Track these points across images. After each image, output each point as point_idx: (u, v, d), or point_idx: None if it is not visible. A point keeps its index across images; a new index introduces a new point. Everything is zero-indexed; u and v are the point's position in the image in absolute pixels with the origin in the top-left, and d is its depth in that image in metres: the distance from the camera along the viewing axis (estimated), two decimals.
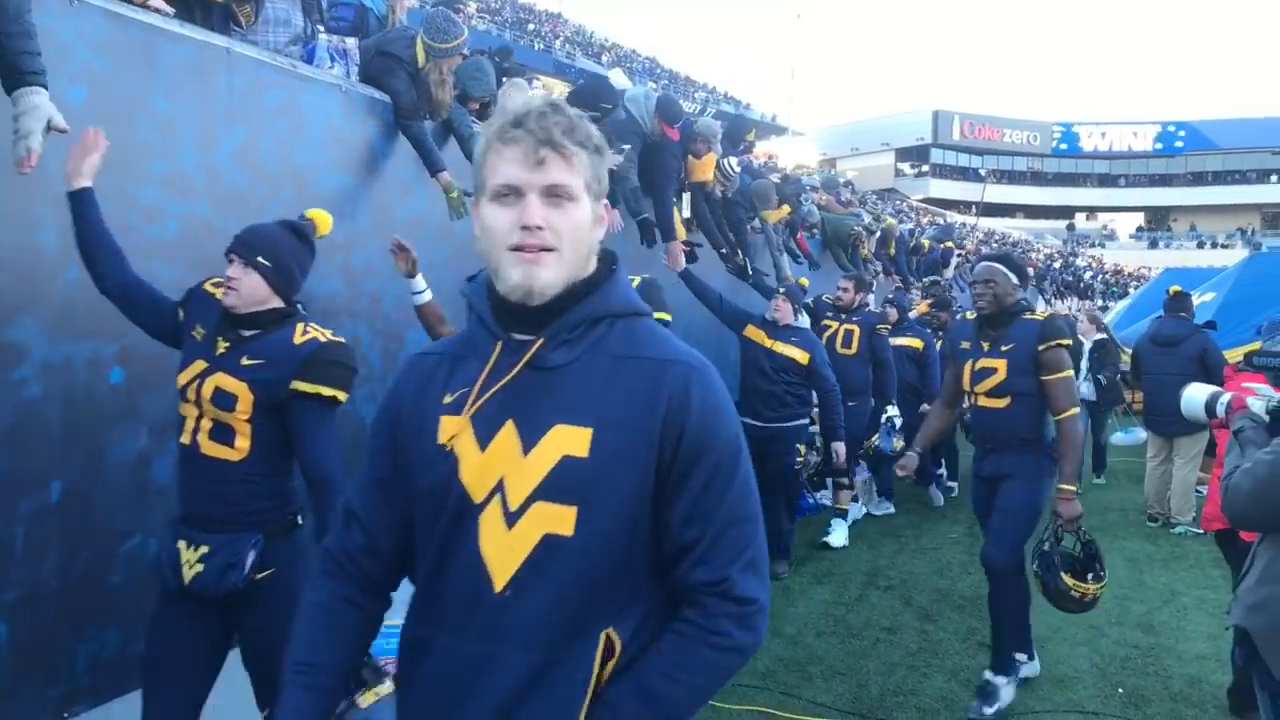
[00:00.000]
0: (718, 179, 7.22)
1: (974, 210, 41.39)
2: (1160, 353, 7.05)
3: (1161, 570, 6.22)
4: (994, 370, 4.04)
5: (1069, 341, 4.01)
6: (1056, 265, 35.05)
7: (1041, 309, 6.10)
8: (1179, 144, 61.57)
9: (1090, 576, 3.85)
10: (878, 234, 12.86)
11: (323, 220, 2.79)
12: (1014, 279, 4.07)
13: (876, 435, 6.52)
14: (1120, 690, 4.28)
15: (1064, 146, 63.75)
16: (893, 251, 13.54)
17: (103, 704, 2.97)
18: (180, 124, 3.15)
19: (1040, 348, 3.93)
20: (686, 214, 6.90)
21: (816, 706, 4.02)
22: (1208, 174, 60.91)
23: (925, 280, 11.08)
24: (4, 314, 2.63)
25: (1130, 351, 7.71)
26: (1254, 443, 2.42)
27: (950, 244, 17.41)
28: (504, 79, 6.35)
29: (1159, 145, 62.25)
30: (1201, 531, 6.23)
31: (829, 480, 7.83)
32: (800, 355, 5.78)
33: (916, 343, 7.74)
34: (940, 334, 7.95)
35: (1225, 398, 2.66)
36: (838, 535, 6.63)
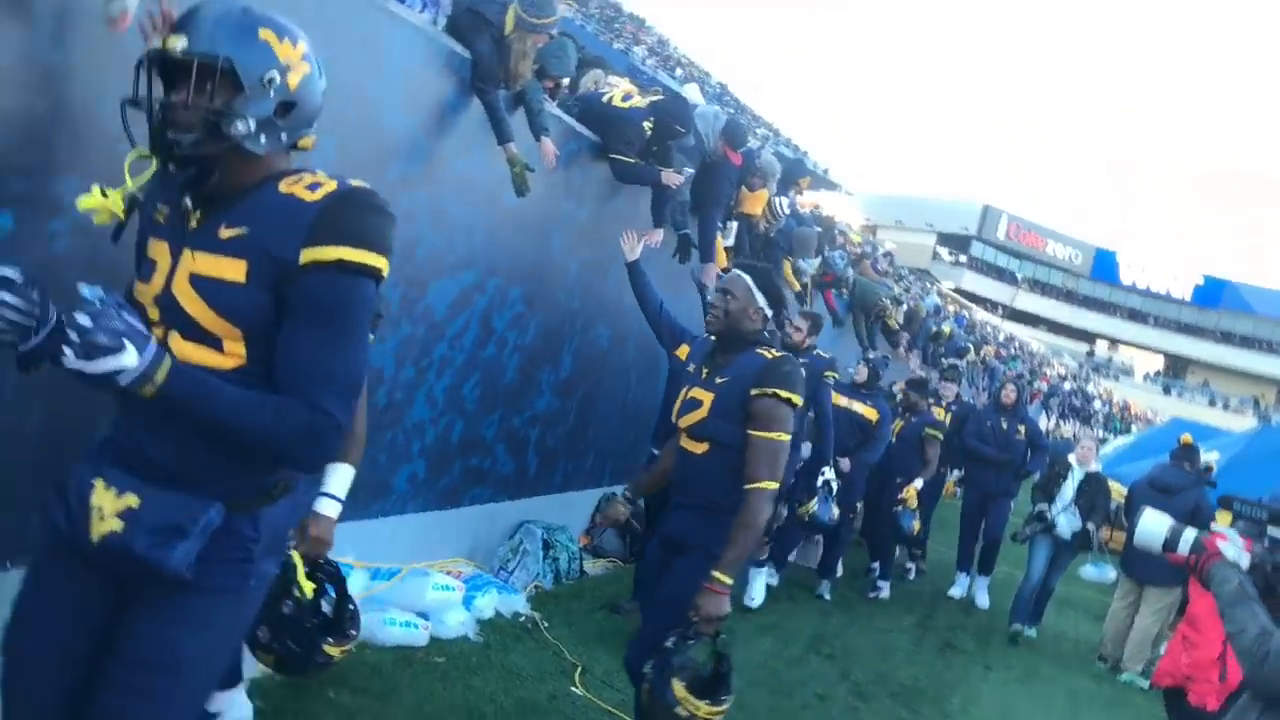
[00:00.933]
0: (765, 215, 7.28)
1: (1000, 312, 41.39)
2: (1156, 498, 7.01)
3: (1101, 712, 6.19)
4: (699, 404, 3.10)
5: (797, 399, 3.03)
6: (1067, 386, 35.07)
7: (1045, 425, 6.14)
8: (1217, 302, 61.61)
9: (708, 698, 2.87)
10: (904, 307, 12.91)
11: None
12: (759, 300, 3.17)
13: (814, 501, 6.16)
14: None
15: (1103, 271, 63.82)
16: (914, 331, 13.59)
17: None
18: None
19: (753, 391, 2.98)
20: (730, 242, 6.93)
21: None
22: (1236, 336, 60.94)
23: (945, 363, 11.04)
24: (55, 167, 2.64)
25: (1124, 490, 7.72)
26: (1252, 598, 2.30)
27: (972, 344, 17.51)
28: (584, 65, 6.40)
29: (1197, 299, 62.28)
30: (1148, 686, 6.19)
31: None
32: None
33: (871, 412, 7.00)
34: (906, 414, 7.82)
35: (1191, 535, 2.43)
36: (756, 592, 6.26)
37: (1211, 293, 62.27)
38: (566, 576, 5.61)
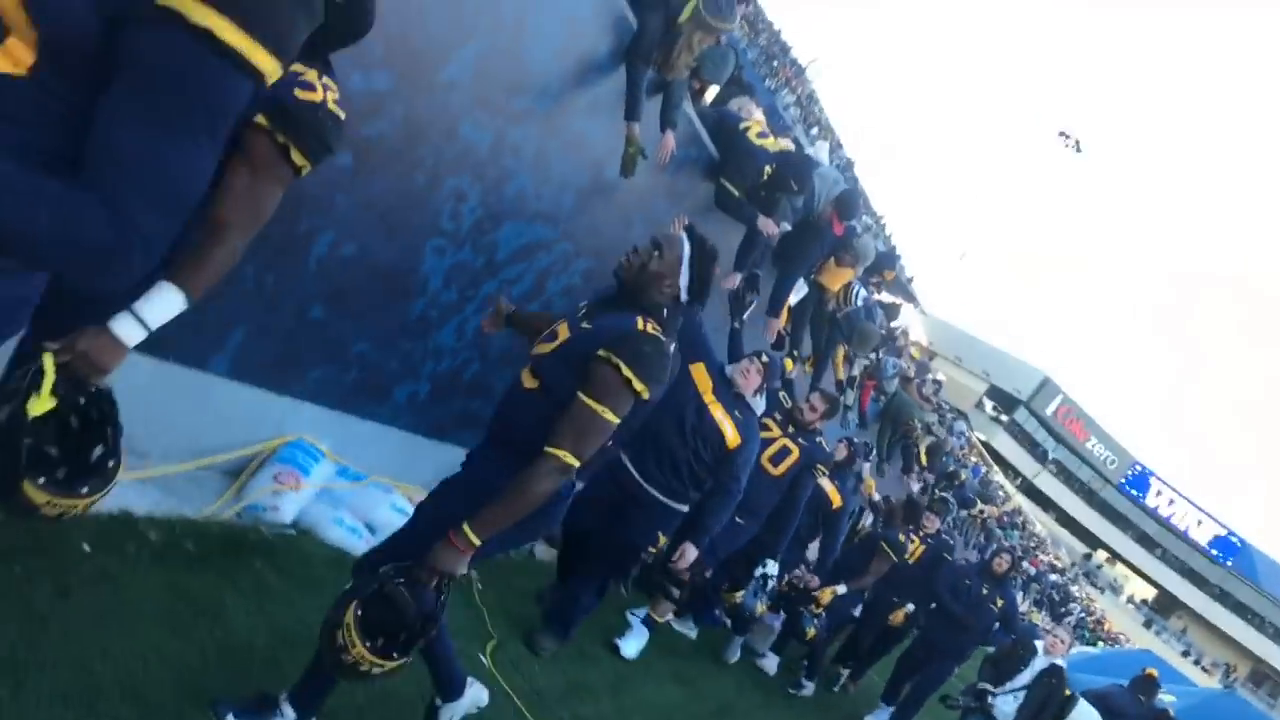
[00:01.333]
0: (840, 296, 7.22)
1: (1018, 483, 40.91)
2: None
3: None
4: (555, 337, 2.75)
5: (641, 388, 2.54)
6: (1053, 578, 34.57)
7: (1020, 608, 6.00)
8: (1228, 559, 60.61)
9: (378, 644, 2.35)
10: (933, 440, 12.78)
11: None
12: (686, 270, 2.80)
13: (741, 592, 5.83)
14: None
15: (1132, 485, 62.97)
16: (934, 465, 13.44)
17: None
18: None
19: (600, 351, 2.55)
20: (794, 300, 6.89)
21: None
22: (1233, 599, 59.85)
23: (936, 495, 10.66)
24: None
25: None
26: None
27: (980, 500, 17.29)
28: (731, 86, 6.39)
29: (1211, 548, 61.27)
30: None
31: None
32: (731, 436, 4.53)
33: (835, 496, 6.59)
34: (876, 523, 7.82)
35: None
36: (631, 644, 5.26)
37: (1226, 547, 61.25)
38: (517, 550, 5.56)
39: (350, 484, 4.20)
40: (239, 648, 2.98)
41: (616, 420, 2.54)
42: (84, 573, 2.76)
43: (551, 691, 4.29)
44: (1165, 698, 9.15)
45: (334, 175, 3.39)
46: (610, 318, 2.71)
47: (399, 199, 3.72)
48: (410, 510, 4.38)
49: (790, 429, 5.69)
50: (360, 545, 4.11)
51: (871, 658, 8.41)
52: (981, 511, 19.76)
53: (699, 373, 4.60)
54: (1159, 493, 63.18)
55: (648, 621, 5.51)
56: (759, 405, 4.80)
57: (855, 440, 7.20)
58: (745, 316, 5.37)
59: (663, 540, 4.95)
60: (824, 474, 5.96)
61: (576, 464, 2.48)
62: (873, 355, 9.68)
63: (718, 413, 4.52)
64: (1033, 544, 33.78)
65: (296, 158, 1.94)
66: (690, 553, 4.56)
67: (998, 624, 7.58)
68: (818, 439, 5.78)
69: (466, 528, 2.41)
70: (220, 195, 1.88)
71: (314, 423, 4.15)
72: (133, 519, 3.17)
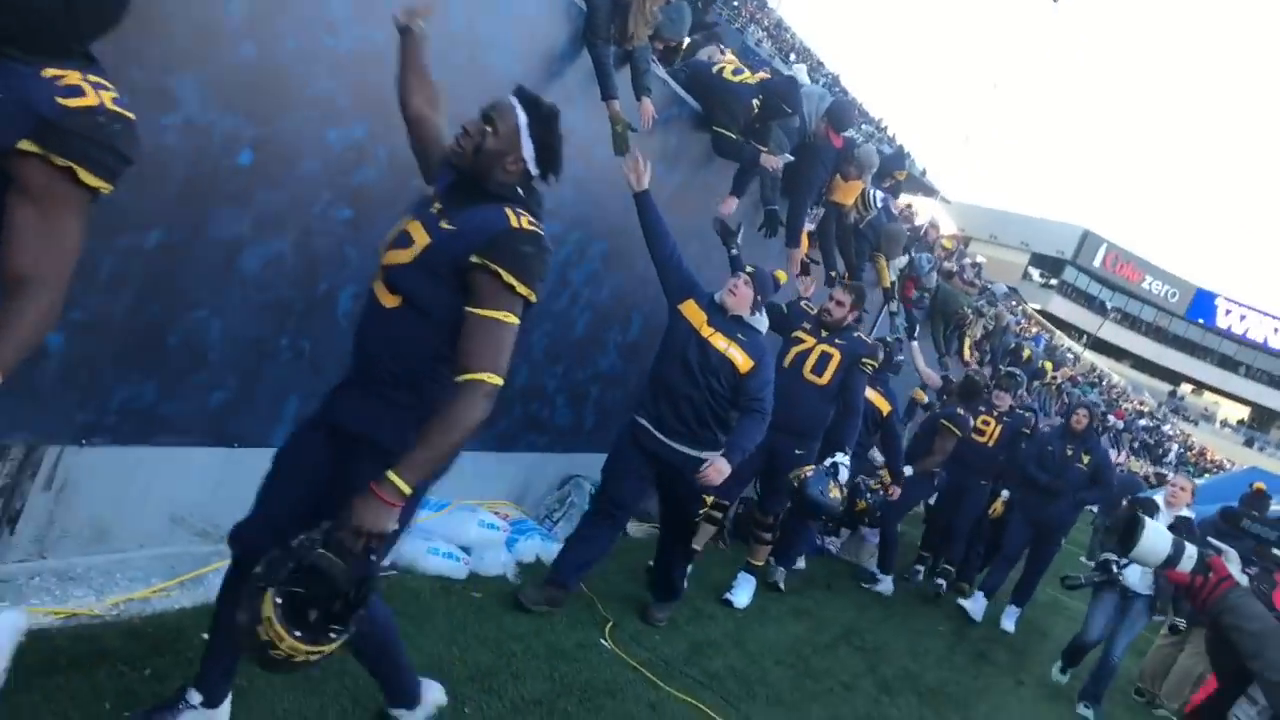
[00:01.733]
0: (857, 206, 7.20)
1: (1084, 340, 40.31)
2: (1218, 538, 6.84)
3: None
4: (410, 242, 2.38)
5: (528, 291, 2.24)
6: (1143, 423, 34.11)
7: (1115, 459, 5.85)
8: None
9: (304, 629, 2.06)
10: (986, 322, 12.66)
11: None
12: (527, 140, 2.44)
13: (810, 470, 5.15)
14: None
15: (1200, 312, 61.69)
16: (993, 345, 13.34)
17: (119, 445, 3.11)
18: None
19: (474, 259, 2.23)
20: (812, 228, 6.88)
21: None
22: None
23: (1003, 369, 10.47)
24: (169, 63, 2.73)
25: None
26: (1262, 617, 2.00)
27: (1049, 364, 17.11)
28: (696, 33, 6.37)
29: None
30: None
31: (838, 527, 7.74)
32: (742, 361, 4.30)
33: (883, 403, 6.39)
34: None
35: (1194, 553, 2.11)
36: (740, 594, 5.50)
37: None
38: None
39: (435, 514, 4.33)
40: (371, 690, 3.10)
41: (517, 321, 2.24)
42: None
43: (676, 657, 4.41)
44: (1276, 507, 9.07)
45: (339, 229, 3.48)
46: (473, 214, 2.32)
47: None
48: (498, 523, 4.52)
49: (823, 334, 5.46)
50: (460, 568, 4.25)
51: (986, 559, 8.18)
52: (1055, 377, 19.56)
53: (689, 309, 4.39)
54: (1227, 312, 61.84)
55: (750, 570, 5.61)
56: (761, 322, 4.49)
57: (888, 339, 6.93)
58: (739, 241, 5.23)
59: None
60: (869, 368, 5.55)
61: (501, 383, 2.19)
62: (905, 256, 9.61)
63: (720, 343, 4.28)
64: (1115, 395, 33.35)
65: (87, 178, 1.67)
66: (721, 464, 4.10)
67: (1091, 482, 7.32)
68: (855, 334, 5.53)
69: (393, 476, 2.10)
70: (7, 246, 1.64)
71: None
72: None
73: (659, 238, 4.47)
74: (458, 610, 3.97)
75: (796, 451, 5.33)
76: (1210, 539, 2.19)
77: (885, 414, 6.42)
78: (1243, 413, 62.02)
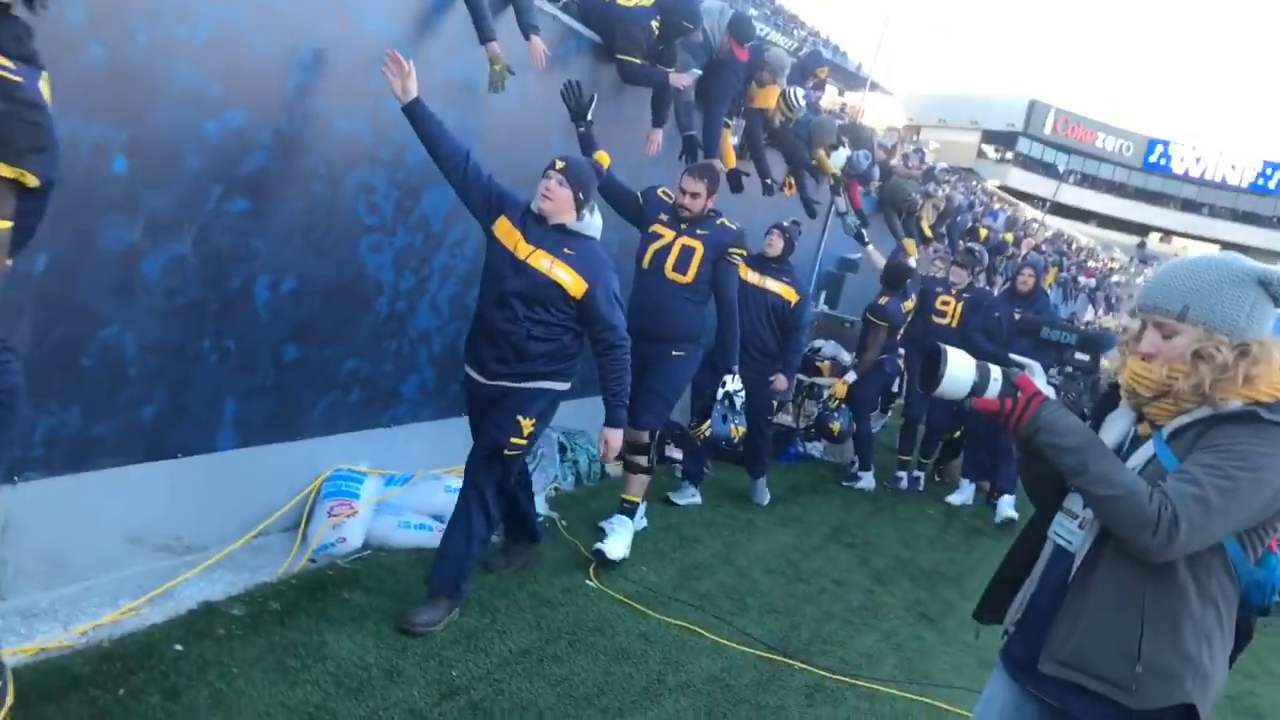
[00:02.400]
0: (780, 108, 7.13)
1: (1044, 207, 40.39)
2: None
3: None
4: None
5: (11, 174, 1.64)
6: (1115, 279, 34.33)
7: (1090, 316, 5.77)
8: (1274, 185, 59.58)
9: None
10: (934, 203, 12.62)
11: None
12: None
13: (707, 423, 5.26)
14: None
15: (1156, 161, 61.83)
16: (949, 228, 13.33)
17: (54, 476, 3.07)
18: None
19: None
20: (737, 139, 6.81)
21: (744, 636, 4.08)
22: None
23: (962, 246, 10.31)
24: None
25: None
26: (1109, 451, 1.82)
27: (1009, 236, 17.12)
28: None
29: (1257, 181, 60.25)
30: None
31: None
32: (572, 283, 3.59)
33: (789, 292, 5.87)
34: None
35: (998, 374, 1.90)
36: (615, 541, 4.58)
37: (1271, 178, 60.21)
38: (588, 478, 5.69)
39: (400, 488, 4.32)
40: (354, 670, 3.12)
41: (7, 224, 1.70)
42: (184, 670, 2.91)
43: (665, 585, 4.44)
44: None
45: (238, 222, 3.41)
46: None
47: (311, 217, 3.74)
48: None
49: (682, 226, 4.85)
50: (434, 536, 4.24)
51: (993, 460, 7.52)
52: (1017, 249, 19.60)
53: (502, 229, 3.66)
54: (1182, 158, 62.06)
55: (624, 508, 4.83)
56: (592, 225, 3.79)
57: (786, 224, 6.11)
58: (589, 117, 4.69)
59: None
60: (742, 258, 5.06)
61: None
62: (843, 151, 9.55)
63: (542, 262, 3.58)
64: (1084, 256, 33.46)
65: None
66: (613, 437, 3.85)
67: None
68: (719, 221, 4.89)
69: None
70: None
71: (343, 450, 4.25)
72: (214, 605, 3.31)
73: (445, 153, 3.63)
74: None
75: (674, 353, 4.80)
76: (1012, 355, 2.04)
77: (794, 304, 5.86)
78: (1212, 250, 62.45)
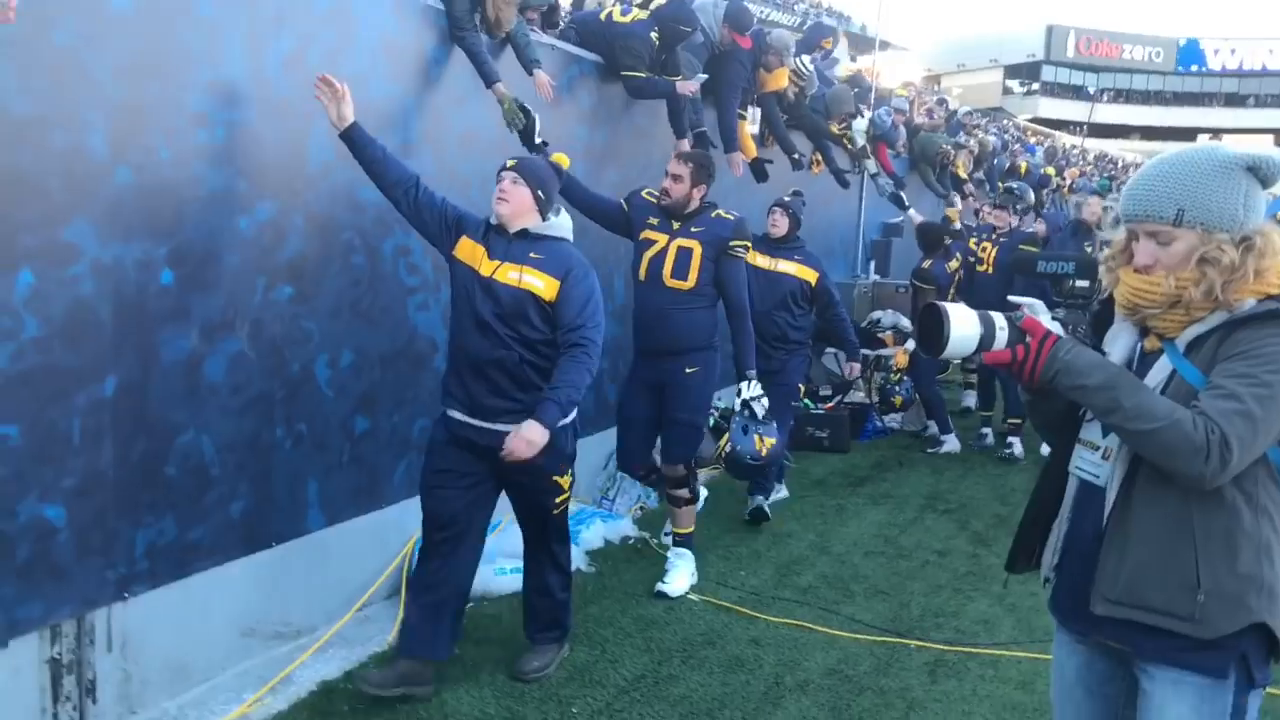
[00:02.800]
0: (792, 81, 7.10)
1: (1081, 131, 39.47)
2: None
3: None
4: None
5: None
6: None
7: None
8: None
9: None
10: (969, 150, 12.43)
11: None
12: None
13: (725, 438, 4.50)
14: None
15: (1190, 61, 60.10)
16: (987, 171, 13.11)
17: (160, 586, 3.16)
18: (226, 30, 3.19)
19: None
20: (755, 129, 6.78)
21: (854, 623, 4.05)
22: None
23: (1001, 188, 10.06)
24: (57, 214, 2.73)
25: None
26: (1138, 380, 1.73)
27: (1051, 169, 16.78)
28: None
29: None
30: None
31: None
32: (544, 287, 3.27)
33: (807, 273, 5.39)
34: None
35: (1003, 322, 1.76)
36: (675, 577, 4.35)
37: None
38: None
39: (490, 536, 4.35)
40: None
41: None
42: None
43: (765, 586, 4.42)
44: None
45: (287, 308, 3.49)
46: None
47: (356, 289, 3.81)
48: None
49: (674, 225, 4.31)
50: None
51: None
52: (1062, 180, 19.18)
53: (464, 249, 3.41)
54: (1216, 51, 60.19)
55: (679, 540, 4.56)
56: (559, 227, 3.47)
57: (787, 199, 5.56)
58: (538, 140, 4.29)
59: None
60: (742, 251, 4.38)
61: None
62: (863, 118, 9.45)
63: (510, 275, 3.27)
64: (1133, 173, 32.61)
65: None
66: (529, 431, 3.11)
67: None
68: (714, 214, 4.34)
69: None
70: None
71: None
72: (331, 684, 3.38)
73: (392, 180, 3.39)
74: None
75: (687, 370, 4.29)
76: (1010, 297, 1.87)
77: (814, 283, 5.39)
78: (1267, 142, 60.50)
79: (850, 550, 4.91)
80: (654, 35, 5.34)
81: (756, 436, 4.28)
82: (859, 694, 3.46)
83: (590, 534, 4.76)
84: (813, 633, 3.94)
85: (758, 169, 6.27)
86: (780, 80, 6.70)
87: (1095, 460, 1.82)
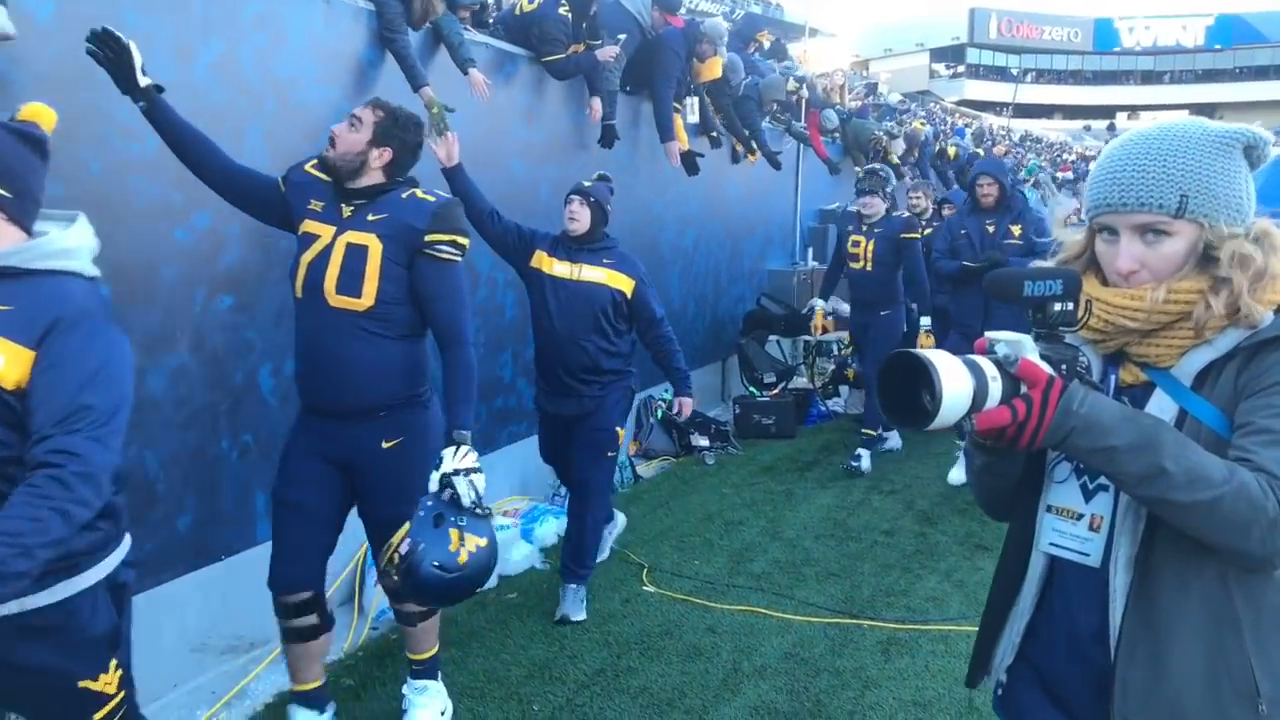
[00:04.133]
0: (727, 74, 7.16)
1: (1006, 112, 40.25)
2: None
3: None
4: None
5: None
6: (1090, 166, 34.22)
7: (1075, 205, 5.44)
8: (1229, 42, 59.32)
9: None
10: (902, 138, 12.61)
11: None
12: None
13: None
14: None
15: (1106, 40, 61.62)
16: (916, 156, 13.30)
17: None
18: (154, 38, 3.13)
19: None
20: (694, 118, 6.82)
21: (808, 606, 4.11)
22: (1254, 68, 58.82)
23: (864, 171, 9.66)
24: None
25: None
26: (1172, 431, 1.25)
27: (980, 150, 17.10)
28: None
29: (1207, 40, 60.00)
30: None
31: (840, 387, 7.91)
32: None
33: (618, 279, 4.05)
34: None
35: (995, 374, 1.24)
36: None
37: (1223, 32, 59.93)
38: (622, 485, 5.72)
39: None
40: None
41: None
42: None
43: (719, 574, 4.48)
44: None
45: (230, 318, 3.45)
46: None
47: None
48: (506, 522, 4.55)
49: (343, 212, 2.87)
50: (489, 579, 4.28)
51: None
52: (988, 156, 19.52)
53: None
54: (1131, 30, 61.82)
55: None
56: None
57: (587, 183, 4.14)
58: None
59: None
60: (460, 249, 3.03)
61: None
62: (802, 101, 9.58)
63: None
64: (1057, 151, 33.39)
65: None
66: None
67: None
68: (406, 194, 2.88)
69: None
70: None
71: None
72: (288, 695, 3.34)
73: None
74: (498, 618, 4.01)
75: (384, 445, 2.88)
76: (989, 334, 1.30)
77: (630, 292, 4.06)
78: (1182, 116, 62.25)
79: (801, 534, 4.99)
80: (564, 11, 5.32)
81: (454, 533, 2.62)
82: (815, 675, 3.53)
83: (543, 530, 4.77)
84: (767, 618, 4.00)
85: (688, 161, 6.31)
86: (714, 70, 6.73)
87: (1079, 533, 1.38)
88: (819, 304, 7.01)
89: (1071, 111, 59.53)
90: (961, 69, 60.09)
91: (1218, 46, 59.86)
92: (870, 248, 6.22)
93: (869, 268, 6.23)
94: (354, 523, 4.14)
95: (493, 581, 4.29)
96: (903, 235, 6.15)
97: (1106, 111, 59.99)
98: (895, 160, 11.71)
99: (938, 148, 14.92)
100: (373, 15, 4.11)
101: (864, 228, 6.29)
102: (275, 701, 3.32)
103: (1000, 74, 59.04)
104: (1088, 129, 53.13)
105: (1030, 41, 60.92)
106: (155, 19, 3.13)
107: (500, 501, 5.07)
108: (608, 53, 5.43)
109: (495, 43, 5.11)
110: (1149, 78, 61.83)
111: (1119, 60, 62.05)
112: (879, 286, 6.26)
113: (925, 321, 6.07)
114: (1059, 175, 26.59)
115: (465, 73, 4.47)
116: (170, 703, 3.31)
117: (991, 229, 5.86)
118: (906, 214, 6.67)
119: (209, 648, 3.53)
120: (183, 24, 3.24)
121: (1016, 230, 5.83)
